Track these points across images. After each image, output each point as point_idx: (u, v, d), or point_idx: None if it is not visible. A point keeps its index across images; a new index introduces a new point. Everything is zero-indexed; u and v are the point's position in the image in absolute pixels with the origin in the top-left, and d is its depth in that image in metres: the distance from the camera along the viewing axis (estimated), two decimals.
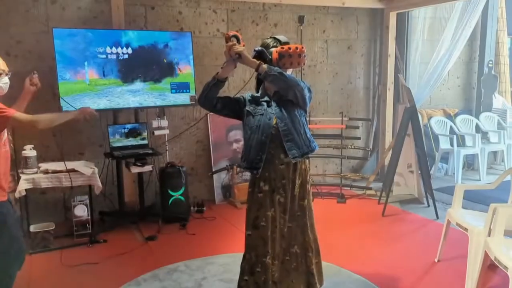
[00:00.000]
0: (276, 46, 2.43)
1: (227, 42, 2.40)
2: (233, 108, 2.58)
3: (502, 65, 6.90)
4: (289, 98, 2.44)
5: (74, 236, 3.92)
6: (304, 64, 2.48)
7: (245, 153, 2.53)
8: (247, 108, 2.54)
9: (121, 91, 4.22)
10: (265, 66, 2.33)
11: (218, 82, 2.45)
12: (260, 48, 2.45)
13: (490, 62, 6.62)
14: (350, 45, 5.85)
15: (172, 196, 4.38)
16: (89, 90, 4.09)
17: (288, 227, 2.56)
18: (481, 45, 6.67)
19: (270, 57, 2.40)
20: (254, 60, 2.37)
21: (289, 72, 2.46)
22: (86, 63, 4.06)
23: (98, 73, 4.13)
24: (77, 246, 3.82)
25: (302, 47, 2.41)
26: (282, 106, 2.47)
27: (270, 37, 2.49)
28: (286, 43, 2.46)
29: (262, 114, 2.48)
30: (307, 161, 2.59)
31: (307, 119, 2.63)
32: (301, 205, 2.58)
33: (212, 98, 2.49)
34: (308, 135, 2.54)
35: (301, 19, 5.27)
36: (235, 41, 2.38)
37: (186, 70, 4.52)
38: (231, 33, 2.44)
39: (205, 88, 2.48)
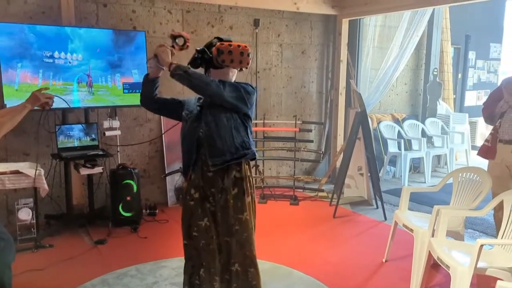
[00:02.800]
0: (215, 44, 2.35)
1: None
2: (172, 110, 2.51)
3: (446, 73, 7.27)
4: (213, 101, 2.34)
5: (17, 241, 3.73)
6: (248, 64, 2.34)
7: (182, 158, 2.49)
8: (183, 112, 2.47)
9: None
10: (174, 65, 2.27)
11: (148, 81, 2.41)
12: (201, 47, 2.37)
13: (435, 70, 6.96)
14: (304, 49, 5.95)
15: (123, 198, 4.27)
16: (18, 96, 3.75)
17: (226, 241, 2.42)
18: (427, 53, 6.99)
19: (211, 55, 2.32)
20: (168, 60, 2.30)
21: (232, 73, 2.39)
22: (19, 64, 3.84)
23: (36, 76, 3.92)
24: (20, 251, 3.63)
25: (246, 46, 2.32)
26: (212, 109, 2.35)
27: (215, 37, 2.41)
28: (228, 41, 2.35)
29: (194, 119, 2.40)
30: (245, 169, 2.41)
31: (249, 123, 2.44)
32: (239, 219, 2.39)
33: (148, 97, 2.44)
34: (238, 141, 2.34)
35: (256, 23, 5.32)
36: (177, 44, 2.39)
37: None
38: (176, 33, 2.41)
39: (141, 87, 2.46)
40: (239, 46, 2.29)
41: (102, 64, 4.24)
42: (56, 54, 4.02)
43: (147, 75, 2.46)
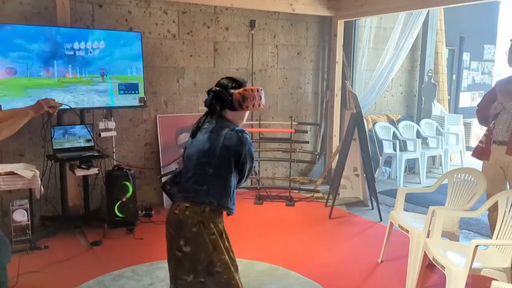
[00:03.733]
0: (235, 87, 2.21)
1: None
2: None
3: (441, 74, 7.31)
4: None
5: (12, 242, 3.71)
6: (263, 106, 2.31)
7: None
8: None
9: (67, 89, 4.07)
10: None
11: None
12: (217, 88, 2.21)
13: (430, 71, 6.99)
14: (299, 50, 5.97)
15: (119, 199, 4.26)
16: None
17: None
18: (421, 55, 7.03)
19: (230, 98, 2.18)
20: None
21: (247, 114, 2.31)
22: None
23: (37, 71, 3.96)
24: (15, 253, 3.60)
25: (261, 89, 2.27)
26: None
27: (225, 78, 2.28)
28: (244, 83, 2.27)
29: None
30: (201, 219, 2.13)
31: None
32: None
33: None
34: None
35: (252, 24, 5.32)
36: None
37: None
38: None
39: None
40: (258, 90, 2.25)
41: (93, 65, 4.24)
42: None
43: None
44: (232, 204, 2.17)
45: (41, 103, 2.55)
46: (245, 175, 2.21)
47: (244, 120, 2.30)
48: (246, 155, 2.13)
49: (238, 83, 2.24)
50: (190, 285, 2.15)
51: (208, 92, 2.23)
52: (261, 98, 2.25)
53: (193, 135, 2.23)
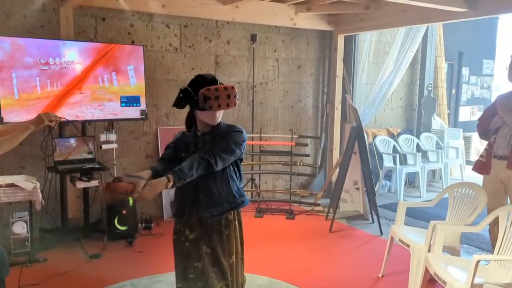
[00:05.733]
0: (201, 85, 2.17)
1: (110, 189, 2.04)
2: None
3: (440, 89, 7.36)
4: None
5: (11, 255, 3.69)
6: (235, 105, 2.23)
7: (175, 199, 2.42)
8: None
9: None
10: (171, 179, 2.01)
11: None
12: (185, 87, 2.20)
13: (430, 85, 7.04)
14: (300, 64, 6.01)
15: (119, 212, 4.25)
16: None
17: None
18: (421, 69, 7.08)
19: (196, 98, 2.15)
20: (161, 183, 2.01)
21: (219, 114, 2.24)
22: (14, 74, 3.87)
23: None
24: (14, 265, 3.59)
25: (232, 87, 2.19)
26: None
27: (198, 75, 2.26)
28: (213, 81, 2.20)
29: None
30: (238, 214, 2.36)
31: (240, 164, 2.37)
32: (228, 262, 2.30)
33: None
34: (235, 189, 2.30)
35: (253, 38, 5.37)
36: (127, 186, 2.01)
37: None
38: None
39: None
40: (225, 88, 2.16)
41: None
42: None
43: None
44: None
45: (42, 117, 2.55)
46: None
47: (215, 121, 2.23)
48: None
49: (205, 82, 2.18)
50: (202, 272, 2.21)
51: (180, 89, 2.21)
52: (229, 97, 2.16)
53: (187, 127, 2.44)
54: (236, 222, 2.33)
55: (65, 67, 4.10)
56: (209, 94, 2.13)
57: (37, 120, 2.54)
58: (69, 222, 4.30)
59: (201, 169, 2.10)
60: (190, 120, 2.37)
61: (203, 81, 2.20)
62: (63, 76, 4.09)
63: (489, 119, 3.55)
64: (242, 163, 2.39)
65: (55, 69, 4.06)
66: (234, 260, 2.31)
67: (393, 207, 5.04)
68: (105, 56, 4.27)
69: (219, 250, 2.25)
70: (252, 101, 5.56)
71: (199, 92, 2.14)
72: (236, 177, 2.32)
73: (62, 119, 2.75)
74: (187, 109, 2.35)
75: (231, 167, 2.29)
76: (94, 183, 4.12)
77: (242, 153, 2.29)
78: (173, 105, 2.23)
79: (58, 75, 4.07)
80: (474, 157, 7.34)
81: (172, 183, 2.01)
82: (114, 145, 4.43)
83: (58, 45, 4.06)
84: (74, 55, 4.12)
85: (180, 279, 2.32)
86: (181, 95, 2.20)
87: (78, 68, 4.15)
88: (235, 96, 2.21)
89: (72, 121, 3.80)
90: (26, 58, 3.92)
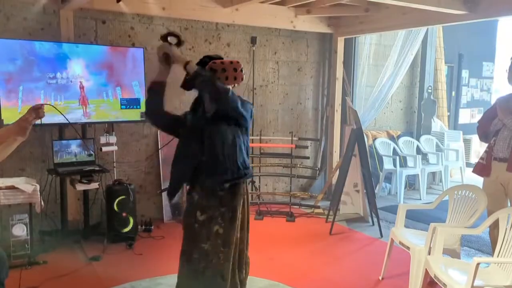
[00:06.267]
0: (208, 62, 2.29)
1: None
2: (175, 126, 2.43)
3: (440, 91, 7.36)
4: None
5: (11, 257, 3.69)
6: (242, 79, 2.31)
7: (172, 176, 2.48)
8: (181, 129, 2.42)
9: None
10: (191, 65, 2.15)
11: (155, 88, 2.30)
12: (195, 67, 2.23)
13: (429, 87, 7.04)
14: (300, 67, 6.01)
15: (119, 214, 4.25)
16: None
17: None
18: (421, 71, 7.08)
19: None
20: (183, 57, 2.17)
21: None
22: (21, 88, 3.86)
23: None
24: (14, 268, 3.58)
25: (237, 62, 2.30)
26: (216, 125, 2.30)
27: (205, 56, 2.33)
28: (219, 58, 2.31)
29: (194, 135, 2.34)
30: (246, 188, 2.48)
31: (248, 140, 2.45)
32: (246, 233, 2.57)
33: (157, 111, 2.35)
34: (240, 160, 2.35)
35: (253, 40, 5.38)
36: (171, 43, 2.23)
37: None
38: (167, 32, 2.27)
39: (147, 98, 2.39)
40: (231, 62, 2.27)
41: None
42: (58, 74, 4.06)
43: (154, 82, 2.33)
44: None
45: (22, 125, 2.33)
46: None
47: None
48: None
49: (212, 58, 2.26)
50: (206, 252, 2.26)
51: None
52: (236, 71, 2.21)
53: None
54: (245, 197, 2.40)
55: (72, 81, 4.12)
56: (216, 67, 2.21)
57: (21, 131, 2.34)
58: (69, 225, 4.30)
59: (228, 92, 2.13)
60: (197, 105, 2.36)
61: (209, 60, 2.28)
62: (67, 89, 4.12)
63: (489, 122, 3.55)
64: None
65: (62, 83, 4.08)
66: (240, 235, 2.37)
67: (393, 210, 5.04)
68: (110, 70, 4.30)
69: (230, 230, 2.29)
70: (252, 104, 5.54)
71: (206, 67, 2.21)
72: (244, 149, 2.35)
73: (45, 104, 2.59)
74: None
75: (241, 138, 2.31)
76: (94, 185, 4.12)
77: (248, 121, 2.31)
78: (181, 86, 2.25)
79: (63, 89, 4.09)
80: (474, 159, 7.34)
81: (190, 65, 2.13)
82: (114, 147, 4.43)
83: (65, 59, 4.07)
84: (79, 69, 4.14)
85: (182, 265, 2.33)
86: (188, 76, 2.21)
87: (83, 83, 4.18)
88: (241, 70, 2.28)
89: (72, 123, 3.79)
90: (35, 72, 3.93)
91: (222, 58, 2.33)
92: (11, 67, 3.84)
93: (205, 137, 2.26)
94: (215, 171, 2.26)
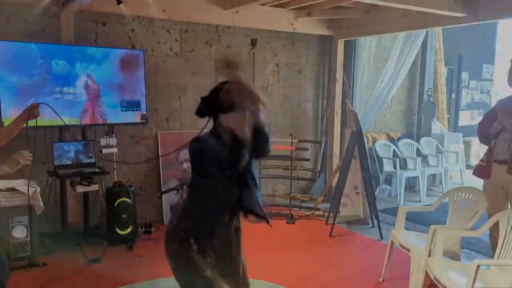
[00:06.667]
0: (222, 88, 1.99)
1: None
2: None
3: (440, 93, 7.36)
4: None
5: (11, 259, 3.69)
6: (260, 103, 2.01)
7: (202, 221, 2.14)
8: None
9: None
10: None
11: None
12: (206, 95, 2.04)
13: (429, 90, 7.05)
14: (300, 69, 6.02)
15: (119, 216, 4.24)
16: None
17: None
18: (421, 74, 7.09)
19: (216, 100, 1.98)
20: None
21: (245, 117, 2.00)
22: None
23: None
24: (14, 270, 3.58)
25: (253, 83, 2.06)
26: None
27: (220, 83, 2.04)
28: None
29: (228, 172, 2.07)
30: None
31: None
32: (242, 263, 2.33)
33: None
34: None
35: (253, 42, 5.38)
36: None
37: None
38: None
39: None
40: (247, 86, 1.97)
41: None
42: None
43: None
44: None
45: (17, 158, 2.63)
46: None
47: (245, 125, 1.92)
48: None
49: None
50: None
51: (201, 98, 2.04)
52: (252, 93, 1.91)
53: None
54: (239, 231, 2.24)
55: (78, 97, 4.17)
56: (231, 88, 1.94)
57: (12, 163, 2.59)
58: (69, 227, 4.29)
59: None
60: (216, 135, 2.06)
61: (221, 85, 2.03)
62: (72, 106, 4.17)
63: (489, 124, 3.55)
64: None
65: (68, 98, 4.12)
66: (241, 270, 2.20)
67: (393, 212, 5.04)
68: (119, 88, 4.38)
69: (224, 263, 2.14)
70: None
71: (221, 93, 1.95)
72: None
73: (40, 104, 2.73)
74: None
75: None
76: (94, 187, 4.12)
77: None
78: (196, 113, 2.05)
79: (68, 105, 4.14)
80: (474, 162, 7.33)
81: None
82: (115, 150, 4.44)
83: (76, 75, 4.15)
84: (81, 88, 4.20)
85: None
86: (201, 105, 2.01)
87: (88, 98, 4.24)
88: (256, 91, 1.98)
89: (72, 126, 3.80)
90: (49, 86, 4.01)
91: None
92: (27, 79, 3.92)
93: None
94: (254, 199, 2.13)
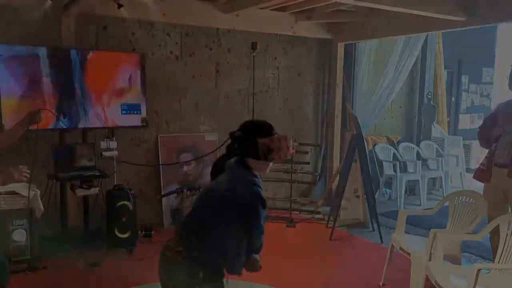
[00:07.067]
0: (261, 135, 2.01)
1: None
2: None
3: (440, 97, 7.37)
4: None
5: (11, 262, 3.67)
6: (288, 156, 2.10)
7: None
8: None
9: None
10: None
11: None
12: (240, 133, 2.02)
13: (429, 93, 7.06)
14: (300, 72, 6.03)
15: (119, 219, 4.24)
16: None
17: None
18: (421, 77, 7.10)
19: (255, 147, 1.98)
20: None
21: (270, 165, 2.11)
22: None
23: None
24: (14, 273, 3.57)
25: (286, 136, 2.07)
26: None
27: (251, 122, 2.13)
28: (271, 130, 2.05)
29: None
30: None
31: None
32: None
33: None
34: None
35: (254, 46, 5.38)
36: None
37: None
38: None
39: None
40: (285, 139, 2.05)
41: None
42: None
43: None
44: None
45: (12, 173, 2.51)
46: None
47: (267, 171, 2.10)
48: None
49: (265, 131, 2.04)
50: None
51: (231, 135, 2.03)
52: (288, 148, 2.03)
53: (212, 177, 2.12)
54: None
55: (78, 100, 4.21)
56: (273, 146, 2.00)
57: (5, 176, 2.50)
58: (69, 230, 4.28)
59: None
60: (219, 167, 2.12)
61: (257, 129, 2.06)
62: (73, 109, 4.19)
63: (490, 128, 3.55)
64: None
65: (69, 101, 4.15)
66: None
67: (393, 215, 5.03)
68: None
69: None
70: (253, 109, 5.55)
71: (262, 142, 1.98)
72: None
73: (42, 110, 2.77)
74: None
75: None
76: (94, 190, 4.11)
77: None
78: (226, 151, 2.09)
79: (69, 108, 4.16)
80: (474, 165, 7.33)
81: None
82: (115, 153, 4.43)
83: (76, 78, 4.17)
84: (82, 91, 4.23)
85: None
86: (236, 142, 2.02)
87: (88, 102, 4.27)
88: (290, 146, 2.08)
89: (72, 128, 3.80)
90: (49, 89, 4.04)
91: (271, 128, 2.08)
92: (27, 83, 3.95)
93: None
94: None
